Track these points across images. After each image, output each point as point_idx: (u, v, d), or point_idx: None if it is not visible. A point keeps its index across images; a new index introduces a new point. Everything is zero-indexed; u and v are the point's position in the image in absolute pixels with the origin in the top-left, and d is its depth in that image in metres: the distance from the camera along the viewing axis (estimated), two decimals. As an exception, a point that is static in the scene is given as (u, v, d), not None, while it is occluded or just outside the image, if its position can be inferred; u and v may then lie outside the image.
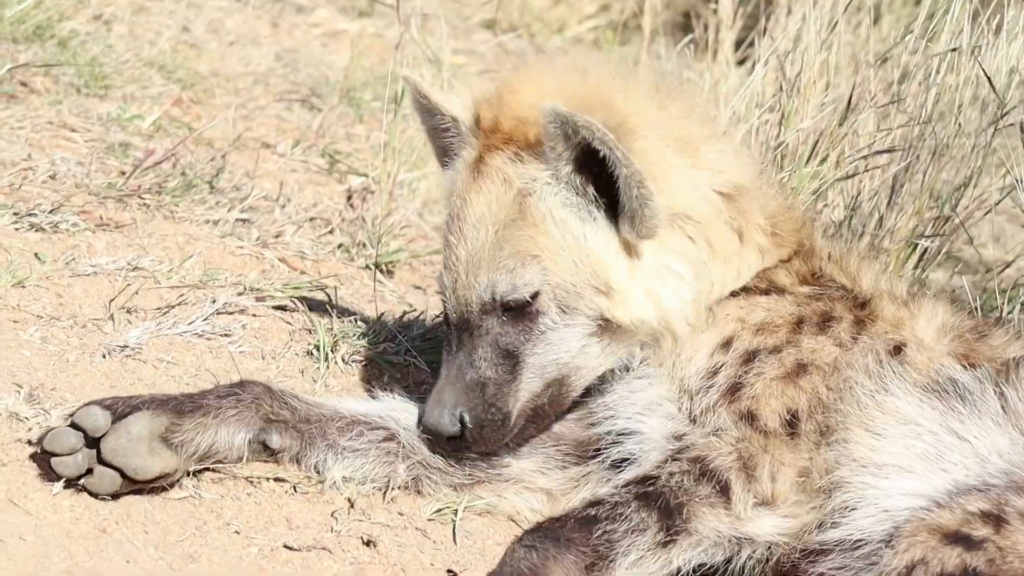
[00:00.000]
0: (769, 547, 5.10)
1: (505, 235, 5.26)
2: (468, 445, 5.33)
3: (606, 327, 5.29)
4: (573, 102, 5.10)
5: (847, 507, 5.05)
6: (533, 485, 5.45)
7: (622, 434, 5.33)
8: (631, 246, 5.23)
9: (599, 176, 5.18)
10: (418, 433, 5.37)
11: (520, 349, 5.28)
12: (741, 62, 8.81)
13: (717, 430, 5.15)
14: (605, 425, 5.38)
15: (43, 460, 5.01)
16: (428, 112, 5.55)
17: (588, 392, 5.44)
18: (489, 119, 5.35)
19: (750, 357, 5.26)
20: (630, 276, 5.25)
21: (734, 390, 5.21)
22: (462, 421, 5.28)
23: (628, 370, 5.40)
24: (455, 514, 5.36)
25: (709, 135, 5.49)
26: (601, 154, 5.09)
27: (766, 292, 5.40)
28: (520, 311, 5.26)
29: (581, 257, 5.22)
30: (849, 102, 6.40)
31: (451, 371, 5.32)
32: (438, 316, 6.38)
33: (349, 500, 5.30)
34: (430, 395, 5.36)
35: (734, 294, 5.41)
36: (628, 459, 5.30)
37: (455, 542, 5.31)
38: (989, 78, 6.24)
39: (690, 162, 5.33)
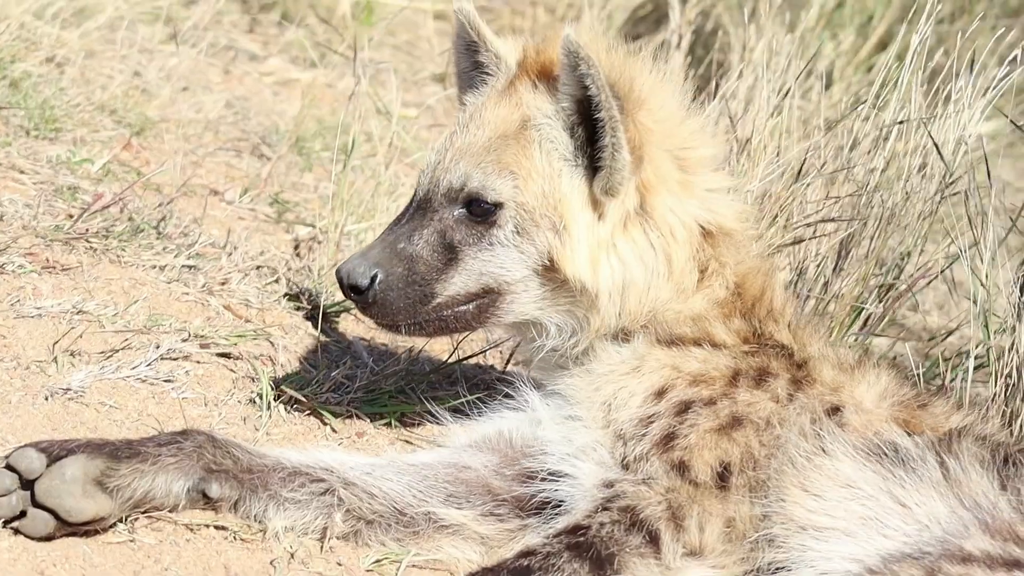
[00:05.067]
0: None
1: (498, 143, 5.49)
2: (367, 304, 5.49)
3: (550, 273, 5.44)
4: (607, 63, 5.34)
5: (783, 567, 5.06)
6: (471, 535, 5.44)
7: (554, 475, 5.36)
8: (597, 203, 5.41)
9: (592, 132, 5.39)
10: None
11: (464, 248, 5.46)
12: (690, 124, 8.86)
13: (648, 479, 5.18)
14: (539, 461, 5.42)
15: (-23, 502, 5.00)
16: (469, 47, 5.78)
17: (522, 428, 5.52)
18: (530, 56, 5.60)
19: (684, 408, 5.30)
20: (586, 231, 5.41)
21: (667, 440, 5.25)
22: (373, 280, 5.44)
23: (581, 362, 5.53)
24: (395, 565, 5.34)
25: (714, 167, 5.64)
26: (596, 102, 5.30)
27: (699, 344, 5.44)
28: (480, 216, 5.46)
29: (550, 188, 5.42)
30: (801, 169, 6.46)
31: (388, 236, 5.52)
32: (383, 368, 6.39)
33: (288, 550, 5.28)
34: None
35: (667, 345, 5.45)
36: (560, 504, 5.32)
37: (394, 594, 5.30)
38: (938, 148, 6.30)
39: (684, 180, 5.51)
